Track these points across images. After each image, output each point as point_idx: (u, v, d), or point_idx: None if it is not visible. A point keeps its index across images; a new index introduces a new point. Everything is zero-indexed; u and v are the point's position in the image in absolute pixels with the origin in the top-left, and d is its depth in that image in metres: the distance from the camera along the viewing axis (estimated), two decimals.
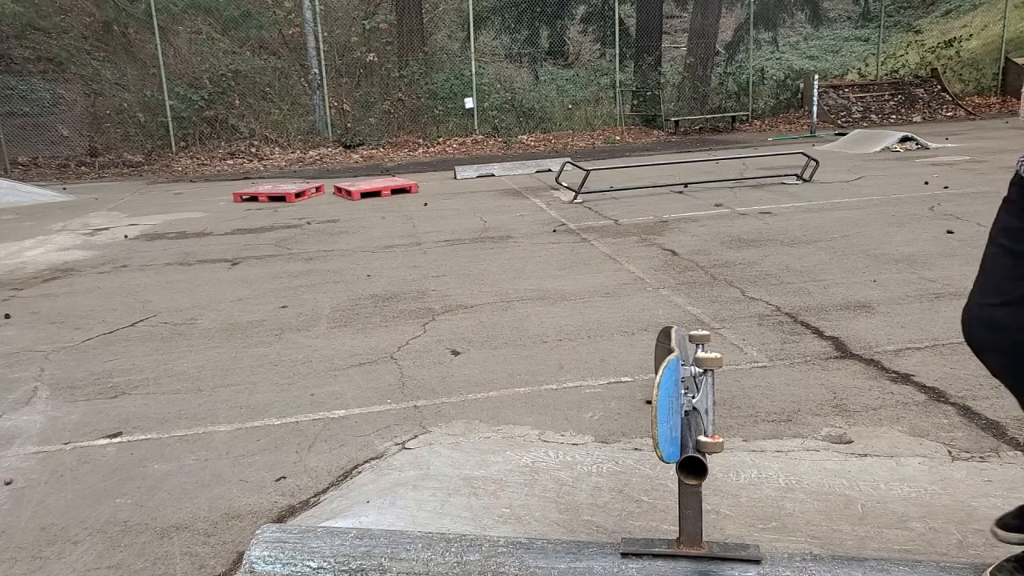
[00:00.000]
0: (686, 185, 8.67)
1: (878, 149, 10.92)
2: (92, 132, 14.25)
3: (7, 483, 2.77)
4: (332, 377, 3.64)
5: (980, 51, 16.93)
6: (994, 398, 3.01)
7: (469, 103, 14.81)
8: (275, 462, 2.85)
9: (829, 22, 20.25)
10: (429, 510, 2.40)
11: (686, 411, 1.88)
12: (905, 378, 3.26)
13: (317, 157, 13.80)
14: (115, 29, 15.28)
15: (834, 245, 5.57)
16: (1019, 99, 14.80)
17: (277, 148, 14.24)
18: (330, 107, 14.78)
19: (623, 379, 3.43)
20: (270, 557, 1.94)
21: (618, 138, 15.01)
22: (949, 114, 15.52)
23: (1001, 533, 1.83)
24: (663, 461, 1.73)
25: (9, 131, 13.59)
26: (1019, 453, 2.60)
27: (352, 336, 4.22)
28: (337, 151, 14.12)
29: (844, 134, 12.98)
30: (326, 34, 14.96)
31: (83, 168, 13.49)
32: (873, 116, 15.62)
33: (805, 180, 8.49)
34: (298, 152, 14.10)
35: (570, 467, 2.66)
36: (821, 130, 14.22)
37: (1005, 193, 1.75)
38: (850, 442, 2.73)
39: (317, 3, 14.38)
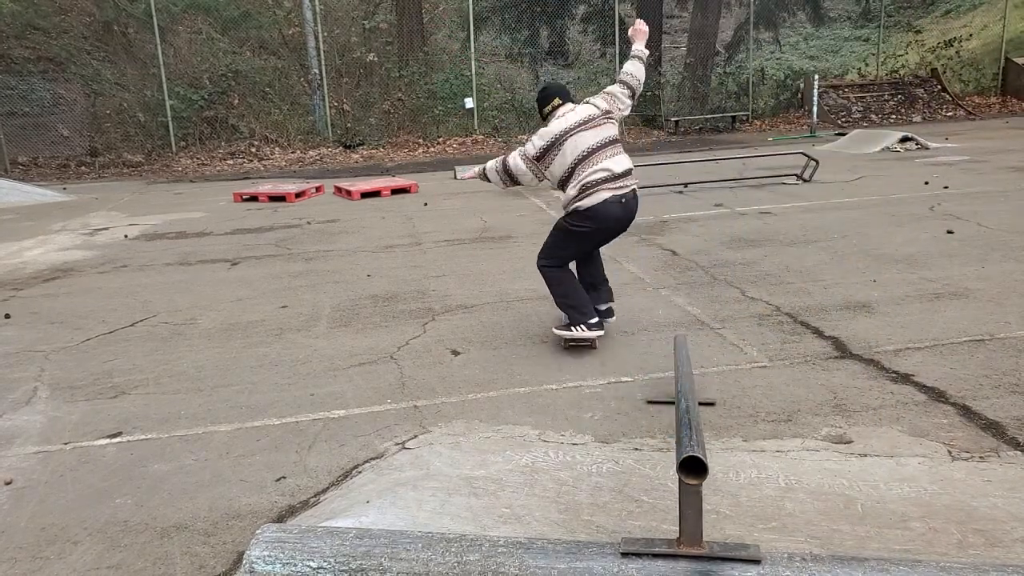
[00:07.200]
0: (686, 185, 8.66)
1: (878, 149, 10.92)
2: (92, 132, 14.24)
3: (7, 483, 2.77)
4: (332, 377, 3.64)
5: (980, 51, 16.93)
6: (994, 398, 3.01)
7: (469, 103, 14.80)
8: (275, 462, 2.85)
9: (829, 22, 20.23)
10: (429, 510, 2.40)
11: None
12: (905, 378, 3.26)
13: (317, 157, 13.80)
14: (115, 29, 15.27)
15: (834, 245, 5.56)
16: (1021, 99, 14.79)
17: (277, 148, 14.23)
18: (330, 107, 14.78)
19: (623, 379, 3.43)
20: (270, 557, 1.94)
21: None
22: (949, 114, 15.51)
23: None
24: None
25: (9, 131, 13.58)
26: (1019, 453, 2.60)
27: (352, 336, 4.22)
28: (337, 151, 14.12)
29: (844, 134, 12.97)
30: (326, 34, 14.95)
31: (83, 168, 13.49)
32: (873, 116, 15.61)
33: (805, 180, 8.48)
34: (298, 152, 14.09)
35: (570, 467, 2.66)
36: (821, 130, 14.21)
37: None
38: (850, 442, 2.73)
39: (317, 3, 14.37)
